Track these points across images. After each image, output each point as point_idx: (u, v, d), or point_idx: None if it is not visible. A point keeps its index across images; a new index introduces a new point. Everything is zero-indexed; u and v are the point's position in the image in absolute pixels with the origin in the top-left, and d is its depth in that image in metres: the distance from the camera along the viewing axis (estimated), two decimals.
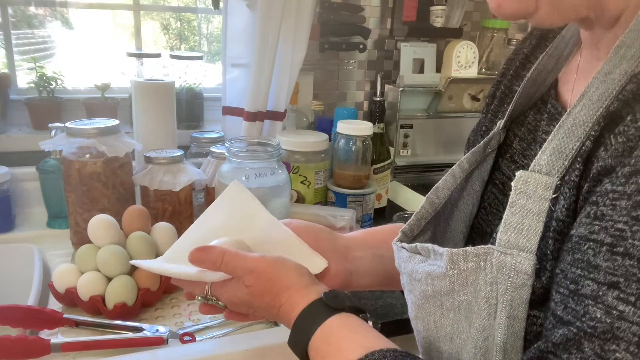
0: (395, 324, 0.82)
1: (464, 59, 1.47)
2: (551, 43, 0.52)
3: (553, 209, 0.39)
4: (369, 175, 1.22)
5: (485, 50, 1.54)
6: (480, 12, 1.60)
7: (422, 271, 0.45)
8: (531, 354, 0.37)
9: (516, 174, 0.40)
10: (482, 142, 0.53)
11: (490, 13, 1.59)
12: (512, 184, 0.40)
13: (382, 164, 1.28)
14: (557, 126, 0.40)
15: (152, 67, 1.29)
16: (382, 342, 0.44)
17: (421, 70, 1.50)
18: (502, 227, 0.40)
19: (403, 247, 0.49)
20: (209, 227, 0.61)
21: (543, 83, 0.52)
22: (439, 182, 0.53)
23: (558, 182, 0.39)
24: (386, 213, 1.31)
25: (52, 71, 1.24)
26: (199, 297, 0.55)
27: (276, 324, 0.79)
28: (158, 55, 1.29)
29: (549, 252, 0.39)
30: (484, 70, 1.54)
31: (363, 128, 1.16)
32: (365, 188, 1.18)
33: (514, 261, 0.39)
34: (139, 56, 1.28)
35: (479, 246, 0.41)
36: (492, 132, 0.53)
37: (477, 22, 1.59)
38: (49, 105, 1.24)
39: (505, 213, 0.40)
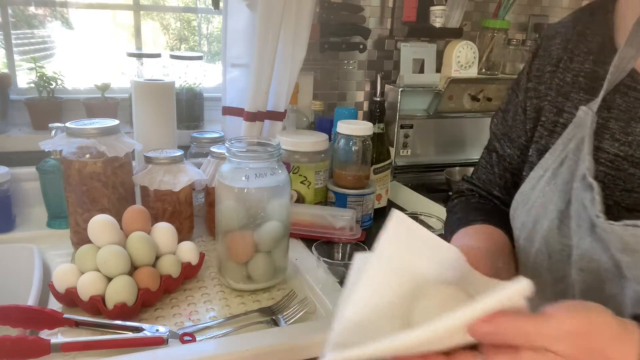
0: None
1: (464, 59, 1.47)
2: (592, 39, 0.61)
3: None
4: (369, 176, 1.22)
5: (485, 50, 1.54)
6: (480, 12, 1.60)
7: None
8: None
9: None
10: (572, 125, 0.58)
11: (490, 13, 1.59)
12: None
13: (382, 164, 1.28)
14: None
15: (152, 67, 1.29)
16: None
17: (421, 70, 1.50)
18: None
19: (637, 225, 0.49)
20: (397, 282, 0.45)
21: (623, 70, 0.57)
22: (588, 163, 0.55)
23: None
24: (386, 213, 1.30)
25: (52, 71, 1.24)
26: None
27: (275, 324, 0.79)
28: (158, 55, 1.29)
29: None
30: (484, 70, 1.54)
31: (363, 128, 1.16)
32: (366, 188, 1.18)
33: None
34: (139, 56, 1.28)
35: None
36: (584, 117, 0.57)
37: (477, 22, 1.59)
38: (49, 105, 1.24)
39: None
